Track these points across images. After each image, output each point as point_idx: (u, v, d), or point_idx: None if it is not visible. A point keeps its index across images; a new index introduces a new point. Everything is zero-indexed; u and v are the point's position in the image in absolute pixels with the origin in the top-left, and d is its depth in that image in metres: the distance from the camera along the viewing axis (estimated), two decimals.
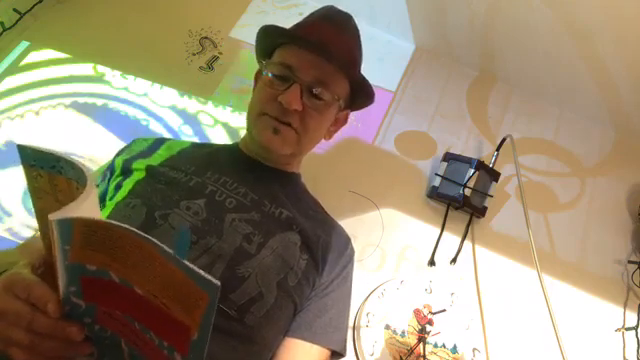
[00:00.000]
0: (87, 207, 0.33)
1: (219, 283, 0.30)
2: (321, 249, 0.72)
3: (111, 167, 0.76)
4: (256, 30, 0.77)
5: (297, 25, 0.78)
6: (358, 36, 0.81)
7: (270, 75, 0.72)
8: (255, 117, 0.74)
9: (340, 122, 0.83)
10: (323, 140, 0.83)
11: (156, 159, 0.74)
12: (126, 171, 0.72)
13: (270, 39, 0.76)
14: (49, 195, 0.38)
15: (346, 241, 0.80)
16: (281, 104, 0.69)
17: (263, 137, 0.72)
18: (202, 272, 0.31)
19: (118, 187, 0.70)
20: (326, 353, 0.70)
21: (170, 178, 0.68)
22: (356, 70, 0.78)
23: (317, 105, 0.72)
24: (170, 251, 0.31)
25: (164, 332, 0.35)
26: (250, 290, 0.61)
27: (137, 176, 0.69)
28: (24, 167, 0.37)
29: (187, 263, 0.31)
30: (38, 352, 0.39)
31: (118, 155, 0.77)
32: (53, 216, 0.31)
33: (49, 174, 0.37)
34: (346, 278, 0.76)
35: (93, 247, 0.33)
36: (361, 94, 0.80)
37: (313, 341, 0.68)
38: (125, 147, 0.80)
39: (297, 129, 0.72)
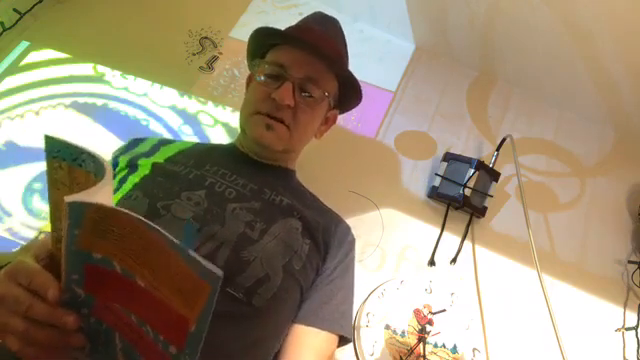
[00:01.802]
0: (102, 195, 0.34)
1: (221, 273, 0.30)
2: (322, 234, 0.74)
3: (113, 165, 0.77)
4: None
5: (287, 29, 0.82)
6: (344, 37, 0.86)
7: (263, 78, 0.76)
8: (248, 116, 0.77)
9: (330, 122, 0.87)
10: (314, 139, 0.86)
11: (157, 157, 0.75)
12: (132, 166, 0.74)
13: (262, 40, 0.80)
14: (66, 187, 0.39)
15: (347, 229, 0.81)
16: (274, 100, 0.72)
17: (256, 134, 0.75)
18: (204, 262, 0.30)
19: (123, 181, 0.71)
20: (334, 338, 0.71)
21: (170, 171, 0.70)
22: (344, 67, 0.81)
23: (308, 101, 0.76)
24: (176, 241, 0.32)
25: (161, 325, 0.35)
26: (256, 272, 0.62)
27: (140, 172, 0.71)
28: (47, 157, 0.38)
29: (191, 253, 0.31)
30: (32, 340, 0.39)
31: (122, 153, 0.78)
32: (68, 198, 0.32)
33: (69, 166, 0.38)
34: (349, 265, 0.78)
35: (101, 235, 0.34)
36: (350, 91, 0.83)
37: (322, 327, 0.69)
38: (124, 146, 0.81)
39: (289, 125, 0.75)
